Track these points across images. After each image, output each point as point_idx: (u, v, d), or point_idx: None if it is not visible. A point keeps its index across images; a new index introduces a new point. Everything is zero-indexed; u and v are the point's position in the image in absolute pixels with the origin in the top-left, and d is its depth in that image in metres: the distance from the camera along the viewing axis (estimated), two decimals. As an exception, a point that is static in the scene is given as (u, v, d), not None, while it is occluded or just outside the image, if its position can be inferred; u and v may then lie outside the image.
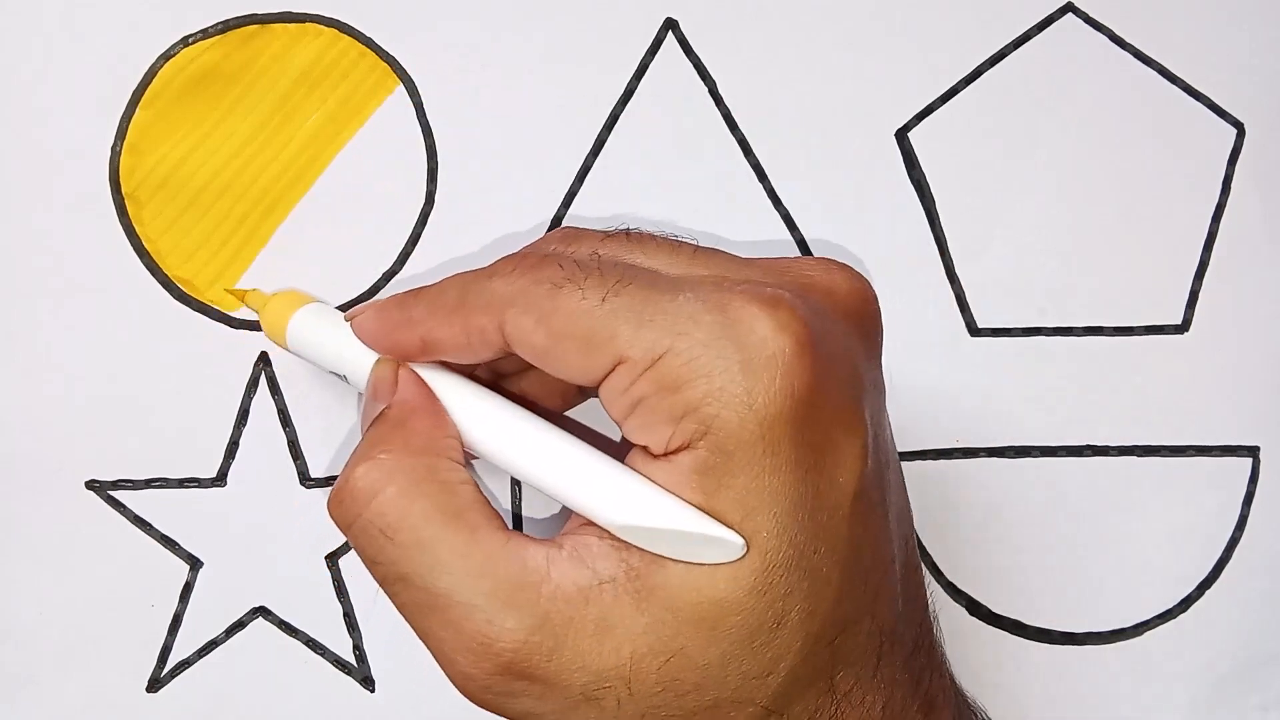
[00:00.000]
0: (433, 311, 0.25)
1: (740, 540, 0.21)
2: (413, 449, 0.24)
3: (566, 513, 0.24)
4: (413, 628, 0.23)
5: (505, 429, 0.24)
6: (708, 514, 0.21)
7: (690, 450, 0.21)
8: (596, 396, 0.23)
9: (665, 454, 0.22)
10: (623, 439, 0.23)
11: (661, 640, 0.21)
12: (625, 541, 0.22)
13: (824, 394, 0.22)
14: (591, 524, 0.23)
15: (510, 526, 0.32)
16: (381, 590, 0.24)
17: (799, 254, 0.33)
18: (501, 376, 0.27)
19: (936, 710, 0.25)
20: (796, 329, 0.21)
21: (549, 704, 0.22)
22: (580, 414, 0.28)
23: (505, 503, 0.33)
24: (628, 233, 0.24)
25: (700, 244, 0.24)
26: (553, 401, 0.27)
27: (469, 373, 0.26)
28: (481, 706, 0.23)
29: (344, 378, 0.27)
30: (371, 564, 0.23)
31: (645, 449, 0.22)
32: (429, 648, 0.23)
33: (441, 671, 0.23)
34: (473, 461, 0.26)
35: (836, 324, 0.23)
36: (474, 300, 0.24)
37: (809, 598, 0.22)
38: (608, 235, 0.24)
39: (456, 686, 0.23)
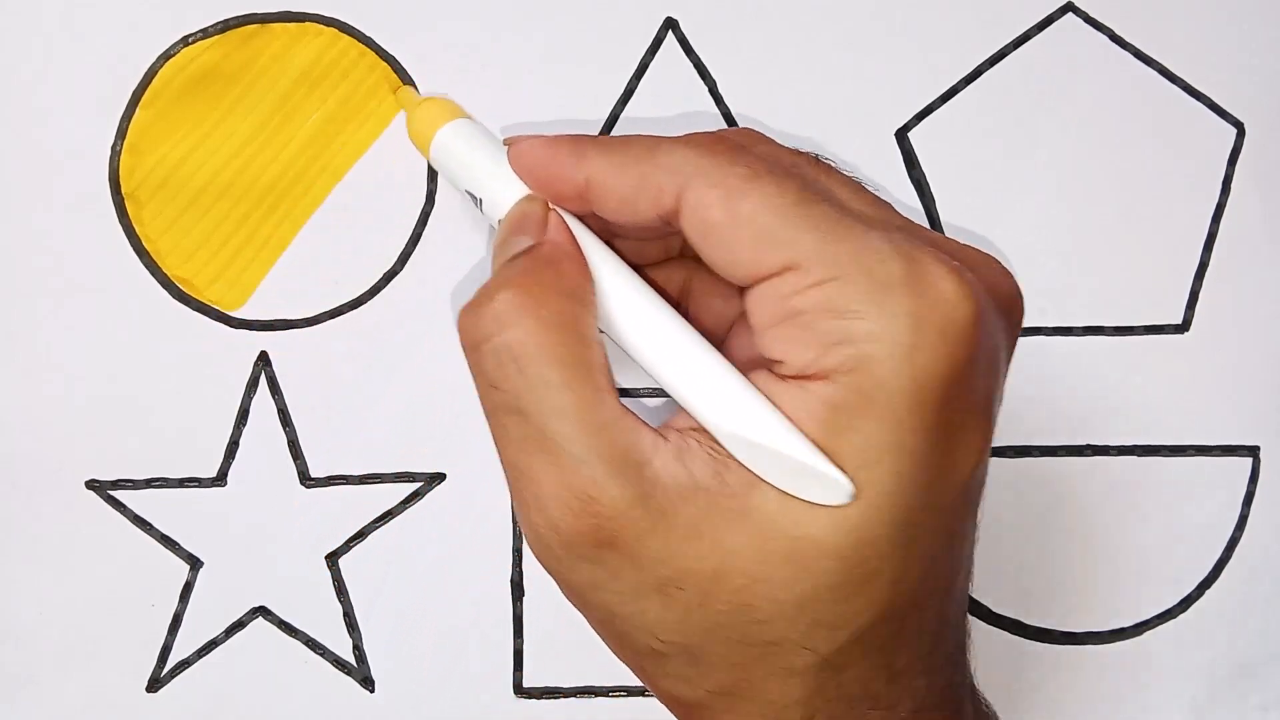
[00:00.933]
0: (610, 156, 0.23)
1: (850, 486, 0.20)
2: (561, 291, 0.23)
3: (666, 411, 0.23)
4: (509, 465, 0.23)
5: (640, 308, 0.23)
6: (823, 451, 0.21)
7: (829, 381, 0.21)
8: (736, 295, 0.22)
9: (799, 377, 0.21)
10: (749, 358, 0.23)
11: (748, 564, 0.21)
12: (727, 454, 0.21)
13: (974, 375, 0.21)
14: (697, 428, 0.22)
15: (511, 570, 0.32)
16: (486, 418, 0.23)
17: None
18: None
19: (963, 707, 0.25)
20: (976, 301, 0.21)
21: (621, 582, 0.22)
22: None
23: (507, 560, 0.33)
24: (817, 158, 0.24)
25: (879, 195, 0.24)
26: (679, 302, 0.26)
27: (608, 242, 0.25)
28: (549, 564, 0.23)
29: (479, 202, 0.26)
30: (490, 388, 0.23)
31: (774, 367, 0.22)
32: (519, 490, 0.22)
33: (520, 516, 0.22)
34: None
35: (996, 317, 0.22)
36: (663, 158, 0.23)
37: (900, 566, 0.21)
38: (798, 152, 0.24)
39: (533, 538, 0.22)
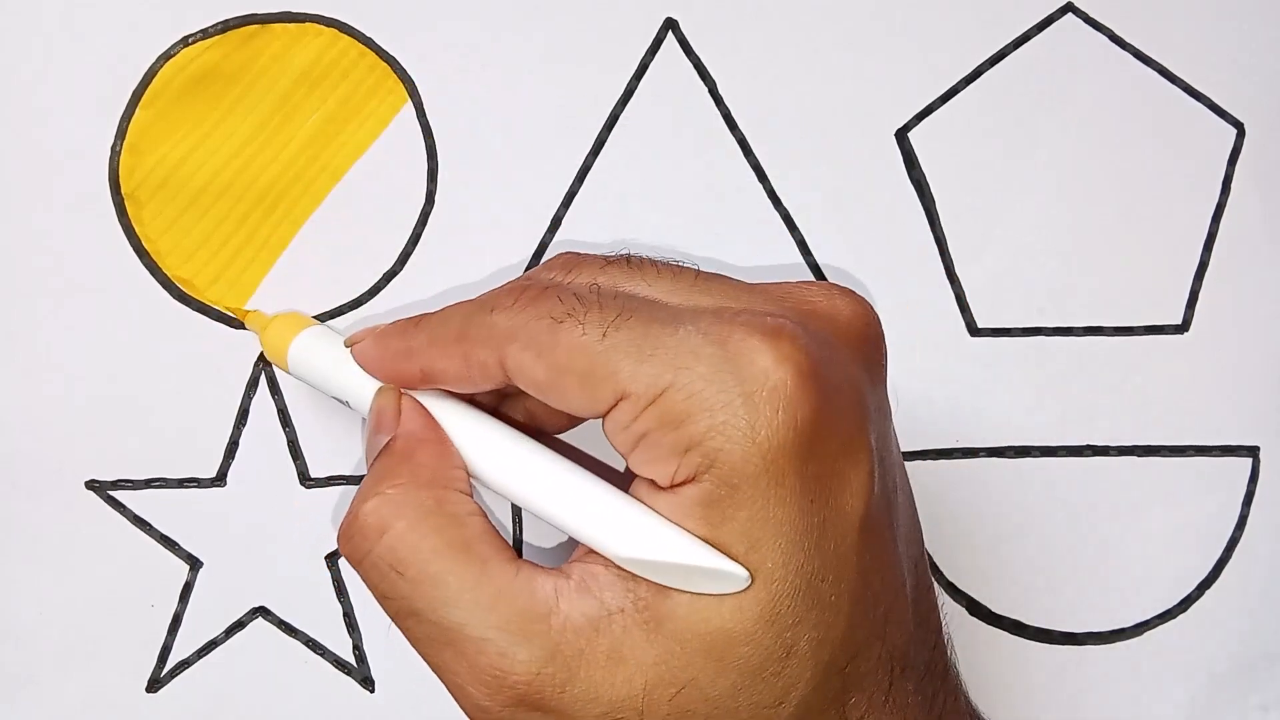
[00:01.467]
0: (433, 342, 0.25)
1: (744, 572, 0.21)
2: (420, 482, 0.24)
3: (572, 541, 0.24)
4: (426, 662, 0.23)
5: (510, 459, 0.24)
6: (712, 546, 0.21)
7: (695, 483, 0.21)
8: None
9: (670, 486, 0.22)
10: (626, 469, 0.23)
11: (672, 671, 0.22)
12: (631, 573, 0.22)
13: (828, 423, 0.21)
14: (597, 554, 0.23)
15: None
16: (393, 625, 0.24)
17: (799, 253, 0.33)
18: (503, 397, 0.27)
19: None
20: (798, 359, 0.21)
21: None
22: (581, 434, 0.28)
23: (507, 524, 0.33)
24: (628, 259, 0.24)
25: (701, 269, 0.24)
26: (554, 423, 0.27)
27: (470, 396, 0.26)
28: None
29: (346, 404, 0.27)
30: (383, 599, 0.24)
31: (651, 483, 0.22)
32: (443, 681, 0.23)
33: (457, 705, 0.23)
34: (475, 487, 0.26)
35: (839, 350, 0.23)
36: (475, 333, 0.24)
37: (818, 626, 0.22)
38: (608, 262, 0.24)
39: (471, 719, 0.23)
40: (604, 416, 0.22)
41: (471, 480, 0.25)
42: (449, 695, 0.33)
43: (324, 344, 0.28)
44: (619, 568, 0.22)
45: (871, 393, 0.24)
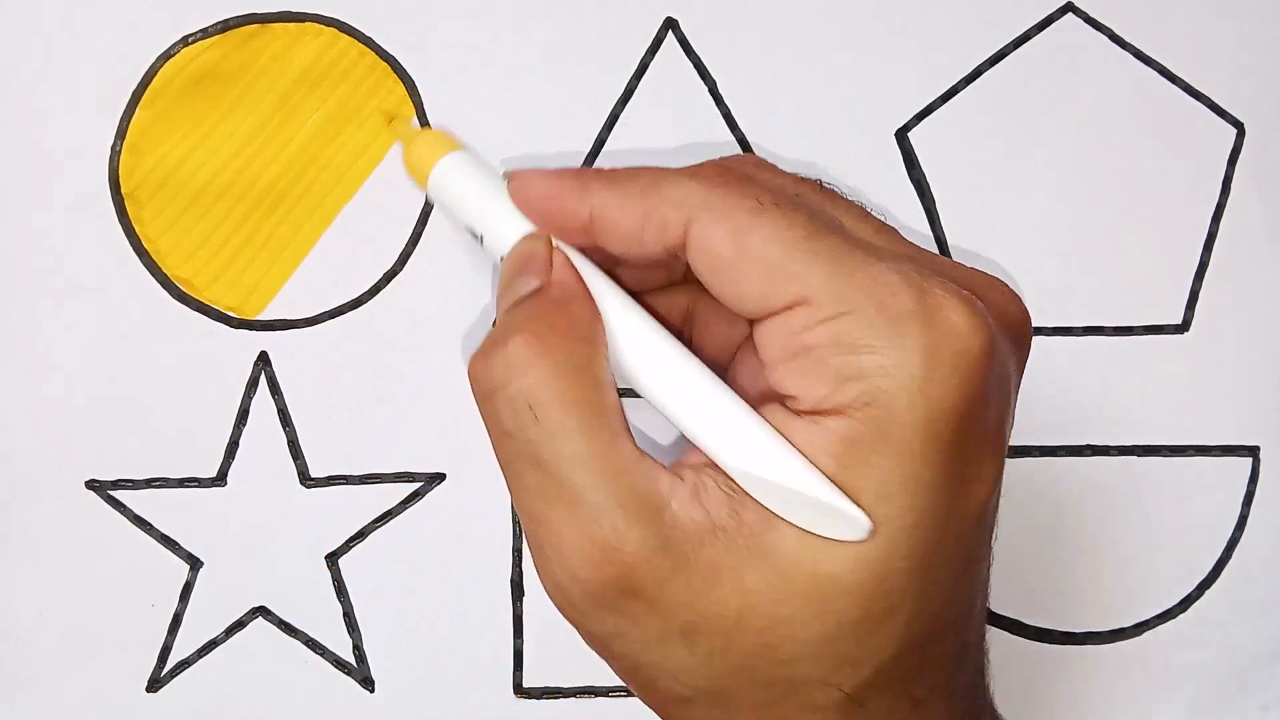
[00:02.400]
0: (614, 188, 0.23)
1: (868, 522, 0.20)
2: (573, 335, 0.23)
3: (684, 447, 0.23)
4: (526, 514, 0.22)
5: (647, 345, 0.23)
6: (840, 487, 0.21)
7: (843, 417, 0.21)
8: (744, 329, 0.22)
9: (813, 411, 0.21)
10: (757, 387, 0.22)
11: (770, 604, 0.21)
12: (743, 491, 0.21)
13: (987, 405, 0.21)
14: (712, 465, 0.22)
15: (511, 570, 0.32)
16: (501, 468, 0.23)
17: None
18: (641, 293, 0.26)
19: None
20: (987, 334, 0.21)
21: (644, 630, 0.21)
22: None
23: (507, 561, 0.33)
24: (822, 184, 0.24)
25: (883, 220, 0.24)
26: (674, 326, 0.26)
27: (612, 271, 0.25)
28: (571, 614, 0.22)
29: (479, 239, 0.25)
30: (504, 436, 0.22)
31: (787, 402, 0.22)
32: (538, 540, 0.22)
33: (539, 566, 0.22)
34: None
35: (1007, 344, 0.22)
36: (668, 191, 0.22)
37: (920, 598, 0.21)
38: (803, 179, 0.24)
39: (553, 588, 0.22)
40: (768, 318, 0.21)
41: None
42: (451, 696, 0.33)
43: (475, 169, 0.26)
44: (730, 483, 0.21)
45: (1015, 394, 0.23)
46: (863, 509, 0.20)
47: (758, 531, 0.21)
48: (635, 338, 0.23)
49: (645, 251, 0.23)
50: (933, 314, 0.21)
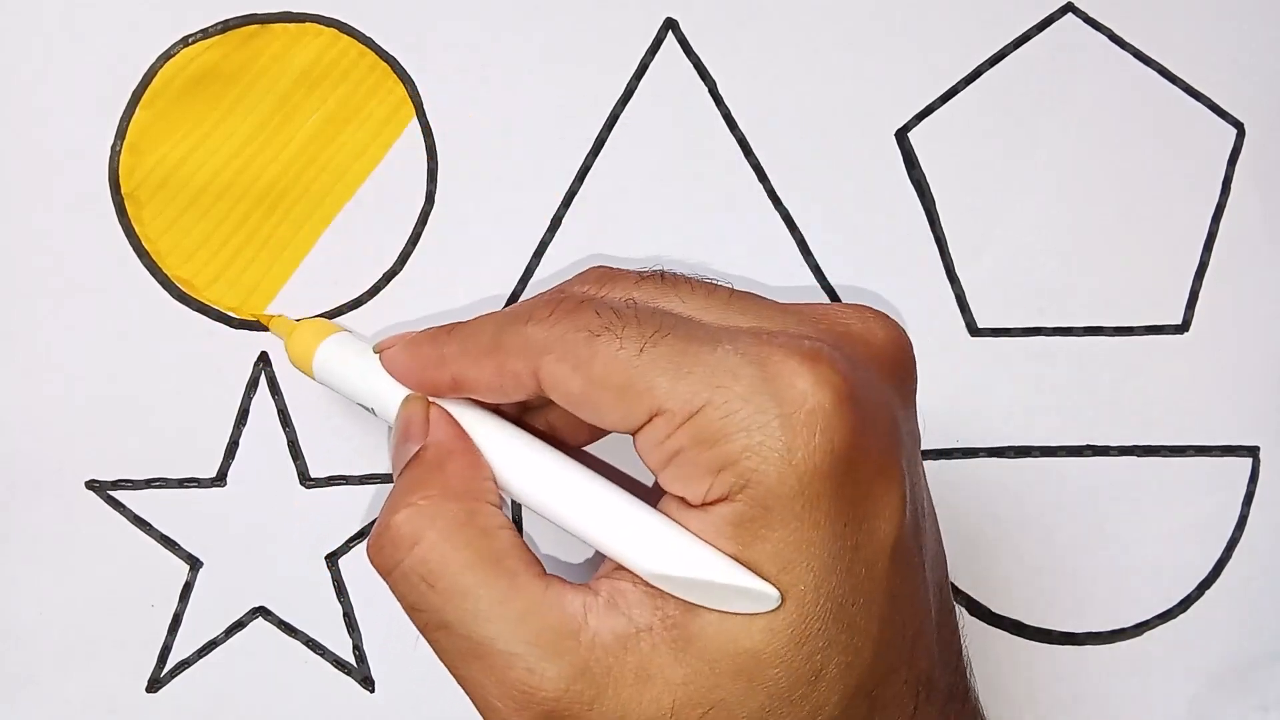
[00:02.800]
0: (466, 351, 0.24)
1: (774, 591, 0.21)
2: (452, 493, 0.24)
3: (597, 558, 0.23)
4: (453, 675, 0.23)
5: (540, 472, 0.24)
6: (743, 565, 0.21)
7: (728, 502, 0.21)
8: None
9: (702, 505, 0.22)
10: (655, 485, 0.23)
11: (701, 691, 0.21)
12: (660, 589, 0.22)
13: (863, 448, 0.21)
14: (625, 570, 0.23)
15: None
16: (421, 638, 0.24)
17: (799, 253, 0.33)
18: (525, 409, 0.27)
19: None
20: (836, 383, 0.21)
21: None
22: (605, 446, 0.28)
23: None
24: (662, 275, 0.24)
25: (735, 288, 0.24)
26: (579, 435, 0.27)
27: (495, 407, 0.26)
28: None
29: (371, 410, 0.27)
30: (412, 610, 0.23)
31: (681, 500, 0.22)
32: (469, 695, 0.23)
33: (474, 707, 0.23)
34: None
35: (874, 375, 0.23)
36: (510, 343, 0.23)
37: (847, 650, 0.22)
38: (642, 277, 0.24)
39: None
40: (637, 432, 0.22)
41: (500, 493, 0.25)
42: (451, 696, 0.33)
43: (350, 350, 0.28)
44: (647, 585, 0.22)
45: (904, 417, 0.23)
46: (768, 581, 0.21)
47: (681, 623, 0.22)
48: (525, 470, 0.24)
49: (514, 399, 0.24)
50: (776, 383, 0.21)
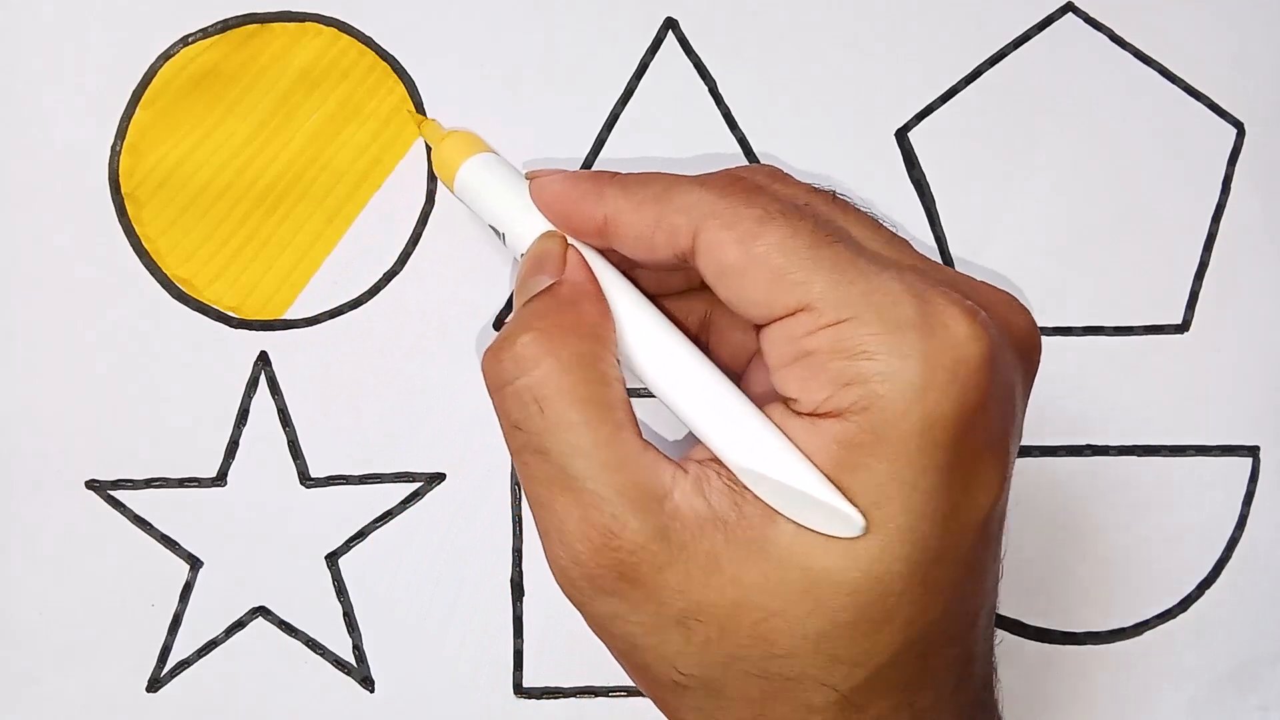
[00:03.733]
0: (628, 194, 0.24)
1: (861, 520, 0.21)
2: (580, 332, 0.23)
3: (689, 444, 0.23)
4: (534, 501, 0.23)
5: (657, 342, 0.24)
6: (836, 486, 0.21)
7: (840, 419, 0.21)
8: (751, 334, 0.23)
9: (813, 414, 0.22)
10: (766, 391, 0.23)
11: (765, 596, 0.21)
12: (744, 486, 0.22)
13: (987, 414, 0.21)
14: (716, 459, 0.22)
15: (511, 570, 0.32)
16: (511, 457, 0.24)
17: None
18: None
19: None
20: (987, 343, 0.21)
21: (641, 615, 0.22)
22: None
23: (507, 540, 0.33)
24: (834, 194, 0.24)
25: (895, 231, 0.24)
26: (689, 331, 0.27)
27: (626, 271, 0.25)
28: (573, 595, 0.23)
29: (501, 236, 0.27)
30: (513, 429, 0.23)
31: (789, 403, 0.22)
32: (543, 524, 0.23)
33: (546, 550, 0.23)
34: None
35: (1011, 355, 0.23)
36: (679, 198, 0.23)
37: (918, 604, 0.21)
38: (815, 190, 0.24)
39: (557, 571, 0.23)
40: (772, 323, 0.22)
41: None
42: (451, 696, 0.33)
43: (499, 170, 0.28)
44: (733, 479, 0.22)
45: (1021, 405, 0.23)
46: (857, 508, 0.21)
47: (757, 525, 0.21)
48: (645, 336, 0.24)
49: (657, 256, 0.24)
50: (932, 322, 0.21)
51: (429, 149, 0.29)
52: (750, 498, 0.22)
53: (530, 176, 0.26)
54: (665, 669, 0.23)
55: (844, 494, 0.21)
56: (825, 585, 0.21)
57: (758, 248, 0.22)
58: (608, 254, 0.25)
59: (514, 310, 0.25)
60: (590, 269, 0.25)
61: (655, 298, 0.25)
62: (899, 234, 0.24)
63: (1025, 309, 0.24)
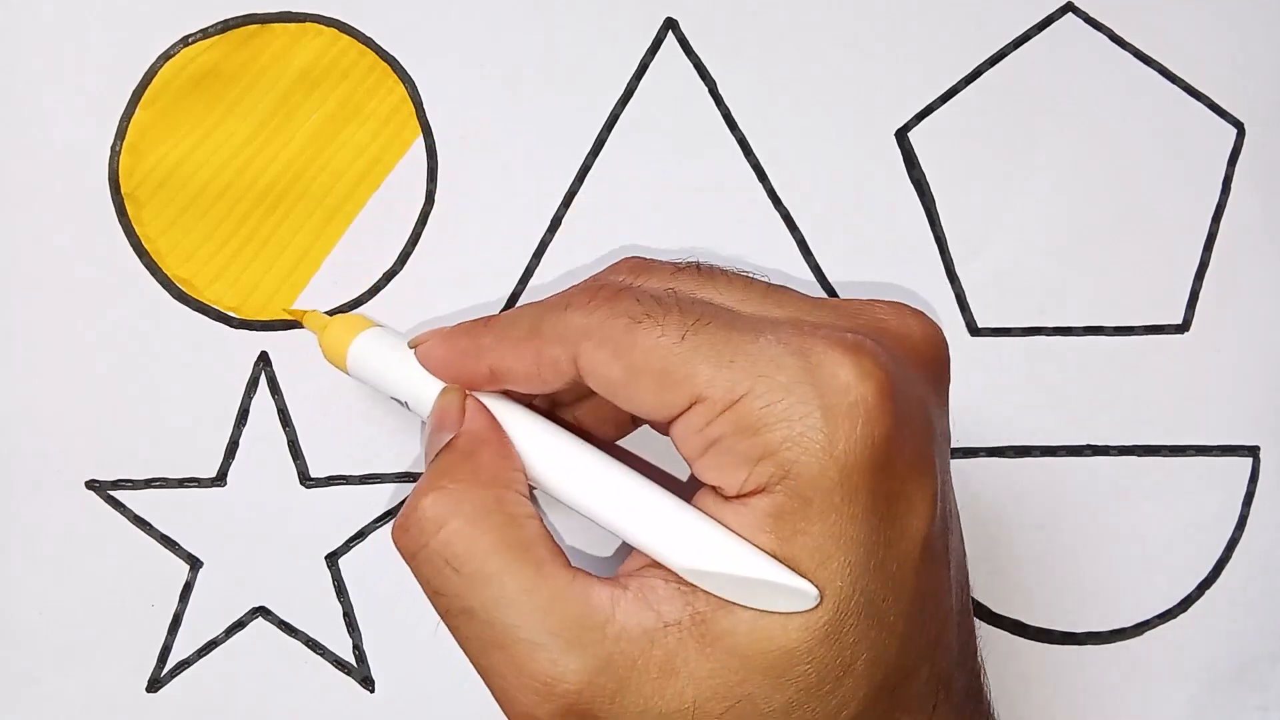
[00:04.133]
0: (503, 340, 0.24)
1: (814, 590, 0.21)
2: (481, 480, 0.23)
3: (623, 553, 0.23)
4: (474, 663, 0.23)
5: (572, 464, 0.24)
6: (780, 561, 0.21)
7: (766, 494, 0.21)
8: (663, 432, 0.23)
9: (738, 496, 0.22)
10: (690, 478, 0.23)
11: (727, 686, 0.21)
12: (692, 585, 0.22)
13: (900, 443, 0.21)
14: (655, 564, 0.22)
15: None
16: (442, 623, 0.24)
17: (799, 253, 0.33)
18: (556, 405, 0.27)
19: None
20: (878, 376, 0.21)
21: None
22: (635, 442, 0.28)
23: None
24: (699, 267, 0.24)
25: (770, 281, 0.24)
26: (607, 431, 0.27)
27: (528, 401, 0.26)
28: None
29: (405, 404, 0.27)
30: (435, 595, 0.23)
31: (715, 490, 0.22)
32: (489, 684, 0.23)
33: (501, 710, 0.23)
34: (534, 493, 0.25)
35: (912, 371, 0.23)
36: (548, 331, 0.23)
37: (874, 646, 0.22)
38: (679, 268, 0.24)
39: None
40: (674, 421, 0.22)
41: (531, 487, 0.25)
42: (451, 696, 0.33)
43: (385, 345, 0.28)
44: (678, 580, 0.22)
45: (938, 416, 0.23)
46: (805, 578, 0.21)
47: (712, 620, 0.21)
48: (561, 463, 0.24)
49: (551, 387, 0.24)
50: (819, 373, 0.21)
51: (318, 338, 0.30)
52: (701, 595, 0.22)
53: (413, 344, 0.27)
54: None
55: (790, 566, 0.21)
56: (786, 659, 0.21)
57: (635, 357, 0.22)
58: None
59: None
60: (489, 414, 0.25)
61: (573, 410, 0.26)
62: (774, 284, 0.24)
63: (920, 314, 0.24)
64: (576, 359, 0.23)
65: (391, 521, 0.27)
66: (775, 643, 0.21)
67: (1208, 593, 0.34)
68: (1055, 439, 0.34)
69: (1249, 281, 0.34)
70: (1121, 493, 0.34)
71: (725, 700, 0.21)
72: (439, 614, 0.23)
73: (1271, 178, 0.33)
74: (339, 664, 0.33)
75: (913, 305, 0.24)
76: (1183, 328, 0.34)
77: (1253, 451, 0.34)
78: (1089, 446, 0.34)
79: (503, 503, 0.23)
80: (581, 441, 0.25)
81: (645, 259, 0.25)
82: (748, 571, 0.21)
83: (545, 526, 0.23)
